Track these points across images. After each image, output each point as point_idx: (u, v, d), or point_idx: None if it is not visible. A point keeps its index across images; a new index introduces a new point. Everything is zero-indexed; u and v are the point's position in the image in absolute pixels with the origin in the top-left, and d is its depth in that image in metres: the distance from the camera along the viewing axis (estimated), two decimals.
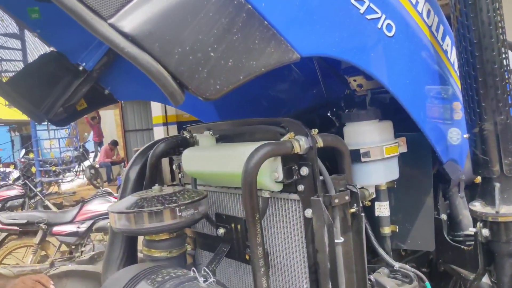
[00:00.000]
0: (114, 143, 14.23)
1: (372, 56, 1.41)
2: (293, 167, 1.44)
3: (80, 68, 1.83)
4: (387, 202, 1.74)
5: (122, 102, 14.84)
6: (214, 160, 1.57)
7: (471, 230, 1.66)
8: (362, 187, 1.69)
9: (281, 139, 1.41)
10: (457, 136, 1.86)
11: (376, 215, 1.76)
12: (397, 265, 1.68)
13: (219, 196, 1.75)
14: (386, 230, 1.75)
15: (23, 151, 12.17)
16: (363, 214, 1.51)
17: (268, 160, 1.39)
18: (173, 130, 11.95)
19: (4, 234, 5.28)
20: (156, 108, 12.34)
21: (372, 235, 1.73)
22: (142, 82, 2.08)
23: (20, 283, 1.88)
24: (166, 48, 0.97)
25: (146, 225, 1.47)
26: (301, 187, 1.44)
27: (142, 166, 1.83)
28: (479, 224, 1.62)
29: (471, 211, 1.68)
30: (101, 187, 8.05)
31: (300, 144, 1.39)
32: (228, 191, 1.71)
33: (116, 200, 5.82)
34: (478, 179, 2.19)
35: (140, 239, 1.86)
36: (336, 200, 1.42)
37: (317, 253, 1.38)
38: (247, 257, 1.51)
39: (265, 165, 1.39)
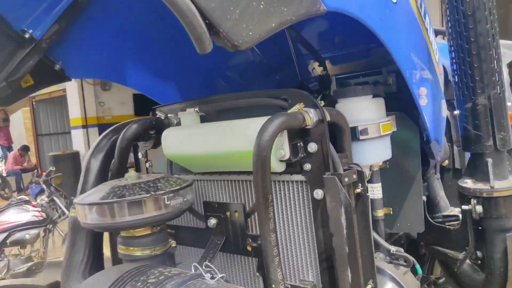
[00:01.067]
0: (25, 149, 12.89)
1: (383, 20, 1.32)
2: (298, 144, 1.29)
3: (26, 36, 1.50)
4: (380, 184, 1.66)
5: (34, 103, 13.56)
6: (208, 139, 1.35)
7: (465, 208, 1.63)
8: None
9: (289, 111, 1.25)
10: None
11: None
12: (393, 249, 1.60)
13: (204, 185, 1.54)
14: (379, 213, 1.67)
15: None
16: (368, 195, 1.41)
17: None
18: (94, 133, 11.16)
19: None
20: (74, 110, 11.44)
21: None
22: (98, 57, 1.80)
23: None
24: None
25: (128, 218, 1.21)
26: (307, 166, 1.29)
27: (106, 153, 1.55)
28: (473, 201, 1.59)
29: (462, 188, 1.66)
30: (14, 198, 7.20)
31: (310, 116, 1.24)
32: (211, 177, 1.50)
33: (36, 208, 5.23)
34: (446, 162, 2.22)
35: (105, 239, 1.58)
36: (346, 179, 1.30)
37: (332, 238, 1.23)
38: (249, 248, 1.32)
39: None
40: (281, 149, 1.27)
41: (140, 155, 1.75)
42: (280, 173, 1.35)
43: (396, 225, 1.77)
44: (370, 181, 1.65)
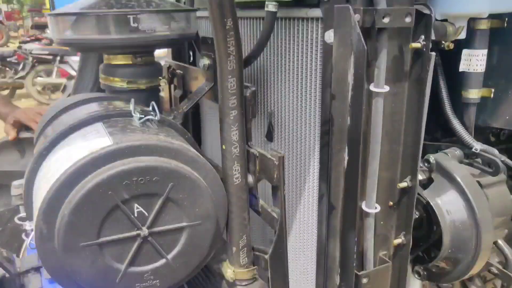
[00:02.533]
0: None
1: None
2: None
3: None
4: (485, 51, 1.06)
5: None
6: None
7: None
8: (445, 20, 1.01)
9: None
10: None
11: (461, 69, 1.09)
12: (478, 146, 1.07)
13: None
14: (472, 94, 1.10)
15: None
16: (433, 54, 0.87)
17: None
18: None
19: None
20: None
21: (447, 99, 1.10)
22: None
23: (22, 114, 1.63)
24: None
25: (86, 36, 0.98)
26: None
27: None
28: None
29: None
30: None
31: None
32: None
33: None
34: None
35: None
36: (386, 20, 0.79)
37: (332, 101, 0.80)
38: None
39: None
40: None
41: None
42: (300, 8, 0.91)
43: (504, 118, 1.16)
44: (469, 45, 1.06)
